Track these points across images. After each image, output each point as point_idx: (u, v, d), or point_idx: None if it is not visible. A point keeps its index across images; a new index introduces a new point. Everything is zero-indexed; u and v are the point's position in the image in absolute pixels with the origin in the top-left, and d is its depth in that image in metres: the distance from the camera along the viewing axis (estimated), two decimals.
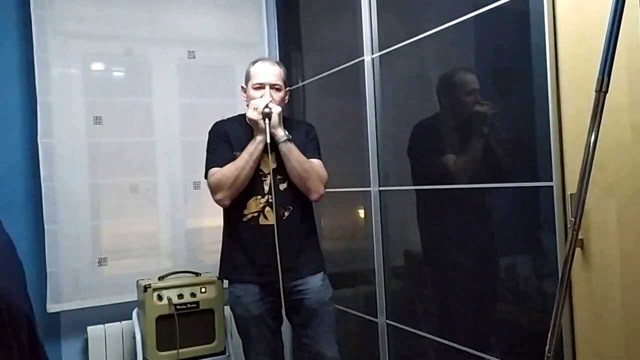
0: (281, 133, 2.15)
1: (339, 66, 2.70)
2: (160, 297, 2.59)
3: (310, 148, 2.26)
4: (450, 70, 2.15)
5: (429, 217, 2.28)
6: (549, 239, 1.69)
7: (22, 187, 2.71)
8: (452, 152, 2.11)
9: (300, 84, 3.10)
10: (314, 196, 2.21)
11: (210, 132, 2.28)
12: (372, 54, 2.48)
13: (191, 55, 3.06)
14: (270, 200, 2.16)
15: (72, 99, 2.77)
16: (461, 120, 2.10)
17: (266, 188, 2.18)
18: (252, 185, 2.16)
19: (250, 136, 2.16)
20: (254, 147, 2.13)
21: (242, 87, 2.32)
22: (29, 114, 2.70)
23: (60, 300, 2.69)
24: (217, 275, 2.40)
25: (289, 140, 2.15)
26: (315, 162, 2.23)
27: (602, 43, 1.22)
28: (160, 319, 2.57)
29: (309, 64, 3.10)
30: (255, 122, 2.13)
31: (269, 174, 2.17)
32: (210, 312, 2.68)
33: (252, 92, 2.21)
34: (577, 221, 1.25)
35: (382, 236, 2.49)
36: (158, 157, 2.96)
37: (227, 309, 2.65)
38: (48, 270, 2.65)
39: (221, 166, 2.15)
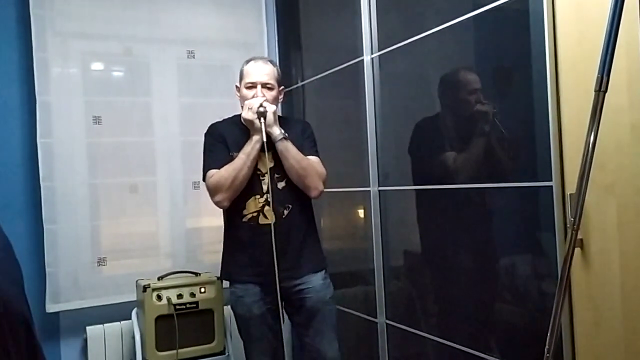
0: (277, 131, 2.15)
1: (338, 66, 2.70)
2: (159, 297, 2.59)
3: (307, 145, 2.26)
4: (452, 70, 2.15)
5: (428, 217, 2.28)
6: (548, 239, 1.68)
7: (21, 187, 2.70)
8: (453, 151, 2.11)
9: (300, 83, 3.10)
10: (313, 193, 2.20)
11: (206, 135, 2.28)
12: (372, 53, 2.48)
13: (191, 55, 3.06)
14: (269, 200, 2.16)
15: (71, 98, 2.77)
16: (463, 120, 2.10)
17: (265, 187, 2.18)
18: (250, 185, 2.16)
19: (247, 136, 2.16)
20: (251, 147, 2.13)
21: (236, 86, 2.32)
22: (28, 113, 2.70)
23: (59, 300, 2.68)
24: (218, 275, 2.39)
25: (285, 138, 2.15)
26: (313, 159, 2.23)
27: (601, 43, 1.22)
28: (159, 319, 2.57)
29: (309, 63, 3.10)
30: (251, 122, 2.13)
31: (267, 173, 2.17)
32: (210, 312, 2.68)
33: (245, 92, 2.21)
34: (577, 221, 1.25)
35: (382, 236, 2.49)
36: (157, 157, 2.96)
37: (226, 309, 2.65)
38: (47, 270, 2.65)
39: (219, 168, 2.15)
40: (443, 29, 2.08)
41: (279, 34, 3.30)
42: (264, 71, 2.23)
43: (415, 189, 2.30)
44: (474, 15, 1.94)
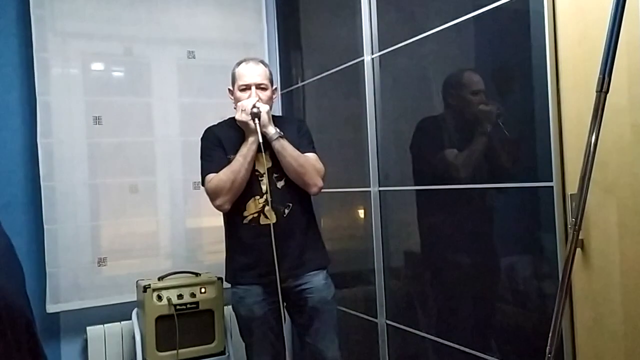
0: (272, 131, 2.15)
1: (338, 66, 2.70)
2: (159, 298, 2.59)
3: (304, 142, 2.26)
4: (456, 70, 2.15)
5: (428, 217, 2.28)
6: (549, 240, 1.68)
7: (21, 187, 2.70)
8: (454, 151, 2.10)
9: (300, 84, 3.10)
10: (313, 190, 2.20)
11: (202, 139, 2.28)
12: (372, 54, 2.48)
13: (191, 55, 3.06)
14: (269, 200, 2.16)
15: (71, 99, 2.77)
16: (465, 120, 2.10)
17: (264, 187, 2.18)
18: (249, 186, 2.16)
19: (243, 138, 2.16)
20: (247, 148, 2.13)
21: (229, 89, 2.32)
22: (29, 113, 2.70)
23: (59, 300, 2.68)
24: (219, 276, 2.39)
25: (281, 137, 2.15)
26: (310, 155, 2.23)
27: (602, 43, 1.22)
28: (159, 319, 2.57)
29: (309, 64, 3.10)
30: (245, 123, 2.12)
31: (265, 173, 2.17)
32: (210, 312, 2.68)
33: (239, 94, 2.22)
34: (578, 221, 1.25)
35: (382, 236, 2.48)
36: (158, 157, 2.96)
37: (227, 309, 2.65)
38: (47, 270, 2.65)
39: (217, 172, 2.15)
40: (444, 29, 2.08)
41: (279, 34, 3.30)
42: (256, 72, 2.23)
43: (416, 189, 2.30)
44: (474, 16, 1.94)
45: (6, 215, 2.56)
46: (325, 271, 2.26)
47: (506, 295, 1.94)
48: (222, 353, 2.71)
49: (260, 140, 2.10)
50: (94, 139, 2.81)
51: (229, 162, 2.15)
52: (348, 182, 2.70)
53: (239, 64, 2.28)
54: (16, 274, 0.86)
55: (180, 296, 2.62)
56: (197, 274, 2.76)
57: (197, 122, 2.80)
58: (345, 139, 2.79)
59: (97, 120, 2.82)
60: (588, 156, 1.22)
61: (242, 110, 2.13)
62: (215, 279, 2.68)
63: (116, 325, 2.76)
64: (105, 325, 2.75)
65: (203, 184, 2.21)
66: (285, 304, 2.22)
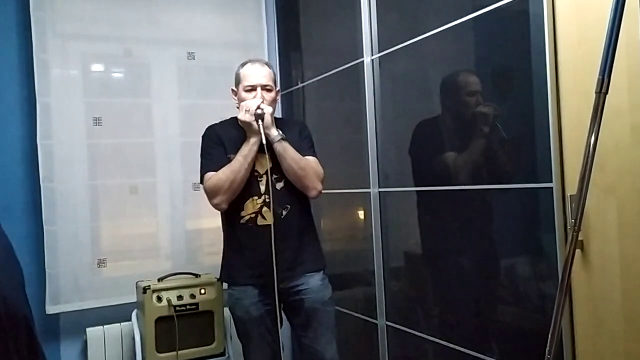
0: (275, 133, 2.15)
1: (338, 67, 2.70)
2: (159, 299, 2.59)
3: (305, 146, 2.26)
4: (453, 72, 2.15)
5: (428, 218, 2.28)
6: (548, 241, 1.68)
7: (21, 188, 2.70)
8: (453, 152, 2.11)
9: (300, 85, 3.10)
10: (312, 193, 2.21)
11: (203, 137, 2.28)
12: (372, 55, 2.48)
13: (191, 56, 3.06)
14: (267, 200, 2.16)
15: (71, 100, 2.77)
16: (463, 121, 2.10)
17: (262, 188, 2.18)
18: (248, 186, 2.16)
19: (244, 138, 2.16)
20: (248, 148, 2.13)
21: (232, 89, 2.32)
22: (28, 115, 2.70)
23: (59, 301, 2.68)
24: (218, 277, 2.40)
25: (283, 139, 2.15)
26: (311, 159, 2.23)
27: (601, 44, 1.22)
28: (159, 320, 2.57)
29: (309, 65, 3.10)
30: (248, 123, 2.12)
31: (265, 174, 2.17)
32: (210, 313, 2.68)
33: (244, 94, 2.21)
34: (577, 222, 1.25)
35: (382, 237, 2.48)
36: (157, 159, 2.96)
37: (226, 310, 2.64)
38: (47, 271, 2.65)
39: (216, 170, 2.15)
40: (443, 30, 2.08)
41: (279, 35, 3.30)
42: (262, 73, 2.23)
43: (416, 190, 2.30)
44: (474, 17, 1.94)
45: (6, 217, 2.56)
46: (321, 272, 2.26)
47: (506, 296, 1.94)
48: (222, 354, 2.71)
49: (264, 142, 2.10)
50: (93, 140, 2.81)
51: (228, 161, 2.15)
52: (348, 183, 2.70)
53: (243, 64, 2.28)
54: (15, 275, 0.86)
55: (180, 297, 2.62)
56: (196, 275, 2.76)
57: (197, 123, 2.80)
58: (345, 140, 2.79)
59: (97, 121, 2.82)
60: (587, 157, 1.21)
61: (245, 110, 2.13)
62: (215, 280, 2.68)
63: (116, 327, 2.76)
64: (105, 326, 2.75)
65: (202, 182, 2.21)
66: (282, 305, 2.22)
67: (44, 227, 2.65)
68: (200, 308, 2.65)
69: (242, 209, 2.18)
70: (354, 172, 2.66)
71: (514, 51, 1.84)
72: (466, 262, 2.08)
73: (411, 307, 2.39)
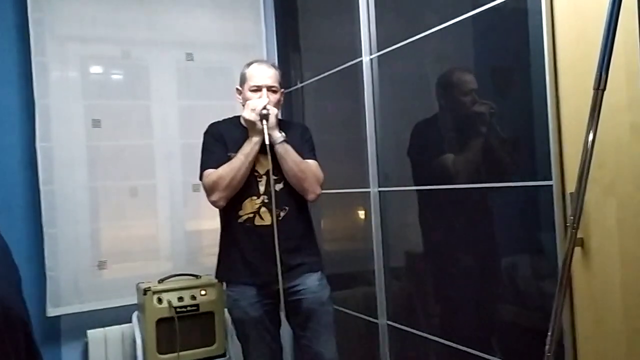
0: (278, 134, 2.16)
1: (337, 67, 2.70)
2: (160, 300, 2.58)
3: (306, 149, 2.26)
4: (447, 70, 2.15)
5: (428, 217, 2.28)
6: (548, 238, 1.68)
7: (20, 191, 2.70)
8: (452, 152, 2.11)
9: (299, 85, 3.10)
10: (310, 196, 2.21)
11: (205, 134, 2.28)
12: (371, 54, 2.48)
13: (189, 57, 3.06)
14: (265, 201, 2.16)
15: (70, 102, 2.77)
16: (460, 120, 2.10)
17: (261, 189, 2.18)
18: (247, 186, 2.16)
19: (246, 137, 2.17)
20: (250, 147, 2.13)
21: (237, 89, 2.32)
22: (27, 117, 2.70)
23: (60, 304, 2.68)
24: (214, 274, 2.40)
25: (285, 141, 2.16)
26: (311, 162, 2.24)
27: (600, 41, 1.22)
28: (160, 322, 2.57)
29: (308, 65, 3.10)
30: (253, 123, 2.13)
31: (264, 174, 2.17)
32: (211, 314, 2.68)
33: (249, 94, 2.21)
34: (576, 220, 1.24)
35: (382, 237, 2.48)
36: (157, 160, 2.96)
37: (227, 311, 2.64)
38: (47, 274, 2.65)
39: (216, 167, 2.15)
40: (442, 28, 2.08)
41: (278, 35, 3.30)
42: (268, 74, 2.23)
43: (416, 190, 2.30)
44: (472, 15, 1.94)
45: (6, 219, 2.56)
46: (319, 273, 2.26)
47: (506, 295, 1.94)
48: (223, 355, 2.71)
49: (267, 142, 2.11)
50: (93, 142, 2.81)
51: (229, 159, 2.16)
52: (348, 182, 2.70)
53: (250, 64, 2.28)
54: (13, 277, 0.86)
55: (180, 299, 2.62)
56: (197, 277, 2.76)
57: (196, 125, 2.79)
58: (344, 140, 2.79)
59: (96, 123, 2.82)
60: (586, 154, 1.21)
61: (251, 109, 2.14)
62: (216, 281, 2.67)
63: (117, 329, 2.76)
64: (106, 328, 2.75)
65: (201, 178, 2.21)
66: (280, 305, 2.22)
67: (44, 229, 2.65)
68: (201, 309, 2.65)
69: (241, 209, 2.18)
70: (353, 172, 2.66)
71: (513, 49, 1.84)
72: (466, 261, 2.08)
73: (412, 307, 2.38)
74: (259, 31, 3.23)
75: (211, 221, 2.77)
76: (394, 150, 2.43)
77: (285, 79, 3.18)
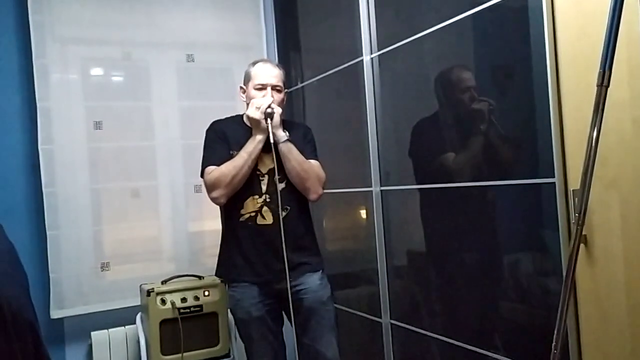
0: (281, 133, 2.16)
1: (338, 66, 2.70)
2: (163, 301, 2.58)
3: (308, 149, 2.27)
4: (446, 68, 2.15)
5: (431, 216, 2.28)
6: (552, 236, 1.68)
7: (23, 193, 2.71)
8: (452, 150, 2.11)
9: (300, 85, 3.10)
10: (312, 196, 2.22)
11: (207, 131, 2.29)
12: (371, 53, 2.48)
13: (190, 58, 3.06)
14: (267, 200, 2.16)
15: (71, 104, 2.77)
16: (459, 118, 2.10)
17: (264, 188, 2.18)
18: (249, 185, 2.16)
19: (248, 136, 2.17)
20: (254, 146, 2.14)
21: (241, 87, 2.32)
22: (29, 120, 2.70)
23: (63, 306, 2.68)
24: (215, 273, 2.40)
25: (289, 140, 2.16)
26: (314, 163, 2.25)
27: (601, 37, 1.21)
28: (164, 323, 2.56)
29: (308, 65, 3.10)
30: (257, 121, 2.13)
31: (267, 174, 2.18)
32: (214, 315, 2.68)
33: (254, 93, 2.21)
34: (581, 217, 1.24)
35: (385, 236, 2.48)
36: (158, 161, 2.96)
37: (229, 311, 2.65)
38: (51, 276, 2.65)
39: (218, 164, 2.15)
40: (442, 27, 2.08)
41: (278, 35, 3.30)
42: (273, 73, 2.24)
43: (417, 188, 2.30)
44: (473, 13, 1.94)
45: (9, 222, 2.54)
46: (320, 272, 2.27)
47: (510, 293, 1.94)
48: (227, 355, 2.71)
49: (272, 141, 2.11)
50: (94, 144, 2.81)
51: (231, 157, 2.16)
52: (350, 182, 2.70)
53: (255, 63, 2.29)
54: (20, 280, 0.86)
55: (184, 299, 2.62)
56: (200, 277, 2.76)
57: (197, 125, 2.80)
58: (345, 139, 2.79)
59: (98, 125, 2.82)
60: (590, 151, 1.21)
61: (256, 107, 2.14)
62: (219, 281, 2.68)
63: (120, 330, 2.76)
64: (110, 330, 2.75)
65: (202, 175, 2.21)
66: (281, 305, 2.22)
67: (47, 231, 2.65)
68: (205, 310, 2.65)
69: (242, 207, 2.18)
70: (355, 171, 2.66)
71: (514, 46, 1.84)
72: (469, 259, 2.08)
73: (415, 305, 2.38)
74: (259, 31, 3.23)
75: (213, 222, 2.78)
76: (396, 149, 2.43)
77: (286, 79, 3.18)
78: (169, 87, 3.01)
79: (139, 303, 2.73)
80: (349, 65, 2.61)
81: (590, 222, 1.56)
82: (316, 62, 3.01)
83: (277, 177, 2.16)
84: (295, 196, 2.22)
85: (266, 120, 2.12)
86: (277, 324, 2.28)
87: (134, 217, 2.91)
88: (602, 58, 1.20)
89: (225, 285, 2.36)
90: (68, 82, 2.78)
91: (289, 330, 2.35)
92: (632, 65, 1.44)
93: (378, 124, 2.48)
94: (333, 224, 3.00)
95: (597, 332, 1.58)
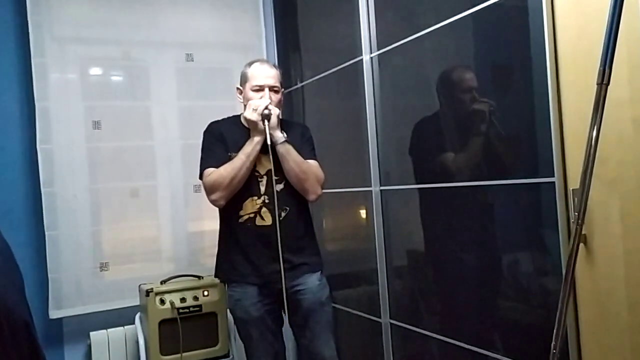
0: (279, 134, 2.16)
1: (337, 66, 2.70)
2: (162, 301, 2.58)
3: (306, 149, 2.27)
4: (448, 69, 2.15)
5: (430, 215, 2.27)
6: (551, 235, 1.68)
7: (22, 193, 2.70)
8: (452, 150, 2.10)
9: (299, 84, 3.10)
10: (311, 197, 2.22)
11: (205, 133, 2.28)
12: (371, 53, 2.48)
13: (189, 58, 3.06)
14: (266, 201, 2.16)
15: (70, 104, 2.77)
16: (460, 118, 2.09)
17: (262, 189, 2.18)
18: (247, 186, 2.16)
19: (246, 137, 2.17)
20: (252, 147, 2.13)
21: (238, 88, 2.31)
22: (28, 120, 2.70)
23: (62, 306, 2.68)
24: (214, 274, 2.40)
25: (286, 141, 2.16)
26: (312, 163, 2.24)
27: (601, 36, 1.21)
28: (163, 323, 2.56)
29: (308, 64, 3.09)
30: (254, 123, 2.13)
31: (265, 175, 2.18)
32: (213, 315, 2.68)
33: (251, 94, 2.21)
34: (581, 216, 1.24)
35: (384, 236, 2.48)
36: (158, 161, 2.96)
37: (229, 311, 2.64)
38: (50, 276, 2.64)
39: (217, 166, 2.15)
40: (442, 26, 2.07)
41: (278, 35, 3.30)
42: (270, 74, 2.24)
43: (417, 188, 2.30)
44: (472, 12, 1.94)
45: (7, 222, 2.56)
46: (319, 273, 2.27)
47: (510, 292, 1.93)
48: (227, 356, 2.71)
49: (269, 142, 2.11)
50: (93, 143, 2.81)
51: (229, 159, 2.16)
52: (349, 182, 2.69)
53: (251, 64, 2.28)
54: (15, 279, 0.86)
55: (183, 299, 2.62)
56: (199, 277, 2.76)
57: (196, 125, 2.79)
58: (345, 139, 2.79)
59: (97, 125, 2.82)
60: (590, 150, 1.21)
61: (253, 109, 2.13)
62: (218, 281, 2.67)
63: (119, 330, 2.76)
64: (109, 330, 2.74)
65: (201, 177, 2.21)
66: (281, 305, 2.22)
67: (46, 232, 2.65)
68: (204, 310, 2.65)
69: (241, 209, 2.18)
70: (355, 171, 2.65)
71: (514, 45, 1.83)
72: (469, 259, 2.07)
73: (415, 305, 2.38)
74: (258, 31, 3.22)
75: (213, 222, 2.77)
76: (395, 148, 2.42)
77: (286, 79, 3.18)
78: (168, 87, 3.00)
79: (138, 303, 2.73)
80: (348, 65, 2.61)
81: (590, 222, 1.56)
82: (316, 62, 3.00)
83: (274, 178, 2.16)
84: (294, 197, 2.22)
85: (263, 121, 2.11)
86: (276, 324, 2.28)
87: (133, 217, 2.91)
88: (602, 56, 1.19)
89: (225, 285, 2.36)
90: (67, 81, 2.78)
91: (288, 330, 2.35)
92: (632, 64, 1.43)
93: (378, 124, 2.47)
94: (333, 224, 3.00)
95: (596, 331, 1.58)
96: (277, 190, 2.18)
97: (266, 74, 2.23)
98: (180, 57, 3.04)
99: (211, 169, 2.17)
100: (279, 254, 2.10)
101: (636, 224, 1.46)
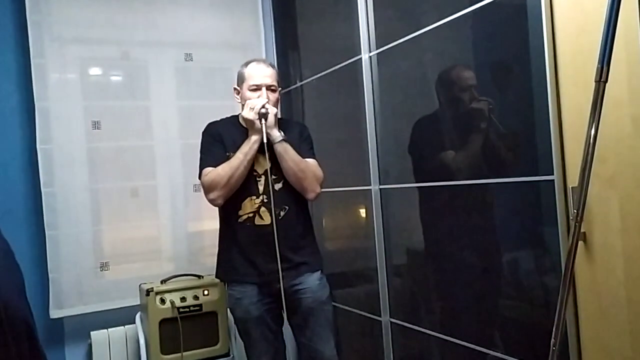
0: (277, 133, 2.17)
1: (336, 65, 2.70)
2: (163, 301, 2.58)
3: (305, 148, 2.27)
4: (447, 67, 2.15)
5: (430, 214, 2.28)
6: (551, 233, 1.68)
7: (22, 193, 2.70)
8: (452, 149, 2.10)
9: (299, 84, 3.10)
10: (310, 195, 2.22)
11: (203, 133, 2.29)
12: (370, 52, 2.48)
13: (188, 57, 3.06)
14: (265, 200, 2.16)
15: (70, 104, 2.77)
16: (459, 117, 2.10)
17: (261, 188, 2.18)
18: (246, 185, 2.16)
19: (244, 137, 2.17)
20: (249, 147, 2.14)
21: (235, 88, 2.32)
22: (27, 120, 2.70)
23: (63, 306, 2.68)
24: (214, 274, 2.40)
25: (284, 140, 2.16)
26: (311, 161, 2.24)
27: (600, 34, 1.21)
28: (163, 322, 2.57)
29: (307, 63, 3.09)
30: (252, 122, 2.13)
31: (263, 174, 2.18)
32: (214, 314, 2.68)
33: (248, 94, 2.21)
34: (580, 214, 1.24)
35: (384, 234, 2.48)
36: (157, 161, 2.96)
37: (229, 310, 2.65)
38: (50, 276, 2.65)
39: (215, 166, 2.15)
40: (441, 25, 2.07)
41: (276, 34, 3.30)
42: (267, 73, 2.24)
43: (417, 187, 2.30)
44: (471, 11, 1.94)
45: (7, 222, 2.54)
46: (319, 272, 2.27)
47: (510, 290, 1.94)
48: (227, 355, 2.71)
49: (265, 141, 2.11)
50: (93, 143, 2.81)
51: (227, 158, 2.16)
52: (349, 180, 2.69)
53: (248, 63, 2.28)
54: (16, 278, 0.86)
55: (183, 299, 2.62)
56: (199, 277, 2.76)
57: (196, 125, 2.79)
58: (344, 138, 2.79)
59: (96, 124, 2.82)
60: (588, 148, 1.21)
61: (250, 108, 2.14)
62: (218, 281, 2.67)
63: (120, 330, 2.76)
64: (109, 329, 2.75)
65: (200, 177, 2.22)
66: (281, 304, 2.22)
67: (46, 231, 2.65)
68: (204, 309, 2.65)
69: (240, 208, 2.19)
70: (354, 170, 2.66)
71: (513, 44, 1.84)
72: (469, 257, 2.08)
73: (415, 304, 2.38)
74: (257, 30, 3.22)
75: (212, 221, 2.77)
76: (395, 147, 2.42)
77: (285, 78, 3.18)
78: (168, 87, 3.00)
79: (138, 303, 2.73)
80: (347, 64, 2.61)
81: (589, 219, 1.56)
82: (315, 61, 3.00)
83: (271, 177, 2.16)
84: (293, 196, 2.22)
85: (260, 120, 2.12)
86: (276, 324, 2.28)
87: (133, 216, 2.91)
88: (600, 53, 1.20)
89: (225, 284, 2.36)
90: (66, 81, 2.78)
91: (288, 329, 2.36)
92: (631, 62, 1.43)
93: (377, 122, 2.47)
94: (332, 222, 3.00)
95: (596, 328, 1.58)
96: (276, 190, 2.18)
97: (263, 73, 2.23)
98: (180, 57, 3.04)
99: (209, 169, 2.17)
100: (276, 253, 2.10)
101: (635, 221, 1.46)
